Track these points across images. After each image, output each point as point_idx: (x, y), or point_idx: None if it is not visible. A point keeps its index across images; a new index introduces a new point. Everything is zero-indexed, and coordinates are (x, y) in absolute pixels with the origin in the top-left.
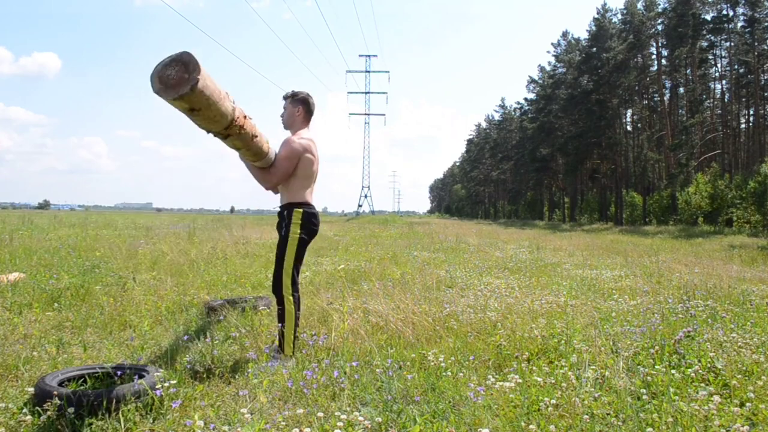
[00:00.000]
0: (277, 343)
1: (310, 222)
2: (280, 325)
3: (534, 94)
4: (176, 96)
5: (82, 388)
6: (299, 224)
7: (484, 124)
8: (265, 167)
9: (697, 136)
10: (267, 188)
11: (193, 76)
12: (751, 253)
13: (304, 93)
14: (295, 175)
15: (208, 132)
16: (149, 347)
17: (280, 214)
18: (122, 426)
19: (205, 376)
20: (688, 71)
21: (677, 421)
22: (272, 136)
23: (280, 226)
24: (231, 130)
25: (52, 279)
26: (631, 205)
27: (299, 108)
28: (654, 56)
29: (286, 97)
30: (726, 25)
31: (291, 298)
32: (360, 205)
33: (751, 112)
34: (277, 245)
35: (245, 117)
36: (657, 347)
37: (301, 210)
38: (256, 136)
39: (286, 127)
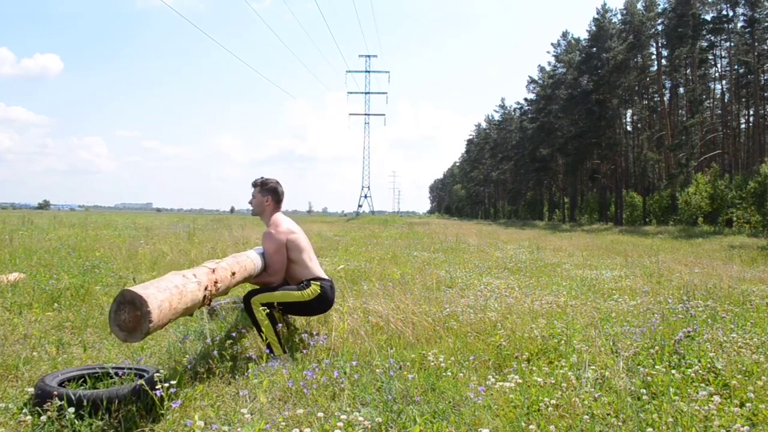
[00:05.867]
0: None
1: (327, 294)
2: (261, 333)
3: (534, 95)
4: (143, 335)
5: (82, 388)
6: (318, 294)
7: (484, 125)
8: (261, 273)
9: (697, 136)
10: (276, 284)
11: (144, 310)
12: (751, 253)
13: (273, 182)
14: (291, 261)
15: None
16: (149, 347)
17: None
18: (122, 426)
19: (205, 376)
20: (688, 71)
21: (677, 421)
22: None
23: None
24: (210, 299)
25: (52, 279)
26: (631, 205)
27: (268, 198)
28: (654, 56)
29: (255, 185)
30: (726, 25)
31: (260, 308)
32: (360, 206)
33: (751, 112)
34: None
35: (214, 271)
36: (657, 347)
37: (318, 282)
38: (234, 273)
39: (254, 214)
